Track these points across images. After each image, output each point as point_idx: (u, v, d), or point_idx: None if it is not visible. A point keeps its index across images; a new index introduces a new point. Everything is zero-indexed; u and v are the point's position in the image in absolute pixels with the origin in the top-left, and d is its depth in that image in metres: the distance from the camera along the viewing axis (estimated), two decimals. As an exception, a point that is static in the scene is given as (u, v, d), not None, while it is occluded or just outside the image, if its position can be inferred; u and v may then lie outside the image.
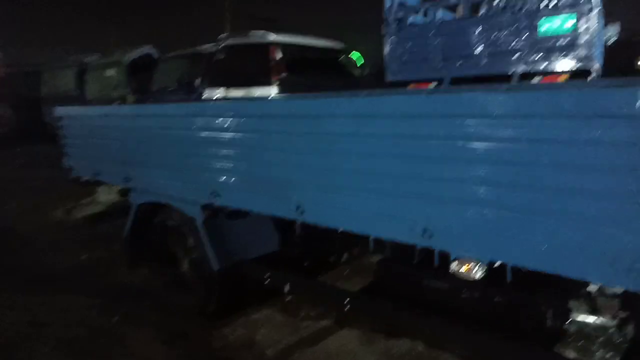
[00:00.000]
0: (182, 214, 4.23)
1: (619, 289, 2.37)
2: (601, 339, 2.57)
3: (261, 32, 9.08)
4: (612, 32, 7.53)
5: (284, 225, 3.88)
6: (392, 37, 6.81)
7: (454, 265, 2.58)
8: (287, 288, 3.66)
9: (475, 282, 2.58)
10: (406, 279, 3.24)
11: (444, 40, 6.55)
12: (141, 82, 11.38)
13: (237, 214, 3.73)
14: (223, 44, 9.16)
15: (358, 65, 11.07)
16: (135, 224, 4.87)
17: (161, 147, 4.20)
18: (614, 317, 2.48)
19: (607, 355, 2.55)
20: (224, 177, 3.58)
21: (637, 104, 1.83)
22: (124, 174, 4.66)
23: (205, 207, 3.88)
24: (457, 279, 2.64)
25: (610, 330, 2.51)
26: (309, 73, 8.76)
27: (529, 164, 2.16)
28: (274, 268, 3.85)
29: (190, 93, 9.18)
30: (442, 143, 2.41)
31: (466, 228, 2.37)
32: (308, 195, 3.05)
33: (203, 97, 8.88)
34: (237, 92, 8.57)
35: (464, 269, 2.55)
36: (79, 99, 13.26)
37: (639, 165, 1.85)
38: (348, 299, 3.31)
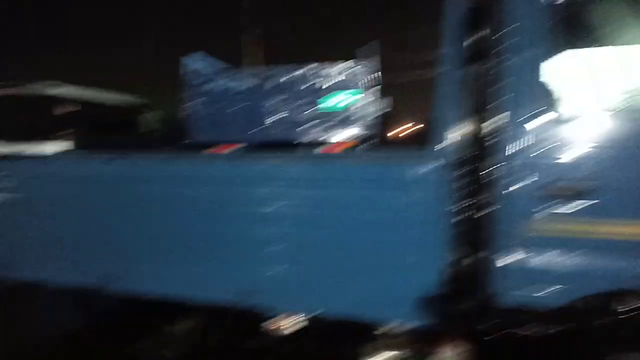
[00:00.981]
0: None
1: (415, 328, 2.78)
2: None
3: (46, 83, 8.33)
4: (386, 106, 8.94)
5: (87, 299, 3.54)
6: (193, 101, 6.96)
7: (275, 320, 2.72)
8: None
9: (292, 335, 2.75)
10: (226, 341, 3.24)
11: (239, 108, 6.95)
12: None
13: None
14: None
15: (158, 123, 10.88)
16: None
17: None
18: (414, 356, 2.87)
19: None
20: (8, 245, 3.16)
21: (407, 176, 2.30)
22: None
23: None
24: (275, 334, 2.77)
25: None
26: (102, 129, 8.29)
27: (334, 225, 2.48)
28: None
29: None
30: (260, 206, 2.61)
31: (288, 285, 2.57)
32: (117, 262, 2.89)
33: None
34: (18, 147, 7.63)
35: (284, 322, 2.71)
36: None
37: (422, 222, 2.31)
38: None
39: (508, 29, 2.31)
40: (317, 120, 6.67)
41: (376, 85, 6.81)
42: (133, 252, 2.90)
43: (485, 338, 2.49)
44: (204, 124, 6.83)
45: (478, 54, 2.68)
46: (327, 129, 6.75)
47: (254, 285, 2.61)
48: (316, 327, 2.71)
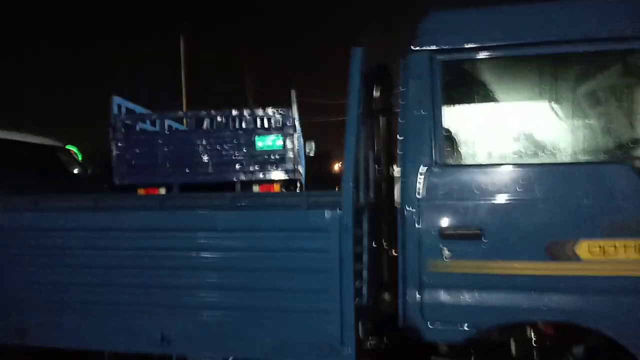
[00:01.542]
0: None
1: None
2: None
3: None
4: (310, 147, 9.22)
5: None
6: (120, 143, 6.88)
7: (191, 369, 2.76)
8: None
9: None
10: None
11: (172, 149, 6.94)
12: None
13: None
14: None
15: (79, 163, 10.52)
16: None
17: None
18: None
19: None
20: None
21: (323, 221, 2.47)
22: None
23: None
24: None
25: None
26: (15, 171, 7.92)
27: (249, 270, 2.59)
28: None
29: None
30: (172, 254, 2.67)
31: (199, 331, 2.63)
32: (31, 315, 2.83)
33: None
34: None
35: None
36: None
37: (329, 267, 2.46)
38: None
39: (405, 87, 2.59)
40: (243, 162, 6.83)
41: (297, 131, 7.09)
42: (49, 304, 2.84)
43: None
44: (129, 166, 6.76)
45: (379, 109, 2.95)
46: (252, 171, 6.90)
47: (166, 333, 2.64)
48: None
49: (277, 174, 7.04)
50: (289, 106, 7.18)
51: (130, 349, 2.80)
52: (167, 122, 7.47)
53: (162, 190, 6.64)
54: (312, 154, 9.27)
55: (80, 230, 2.87)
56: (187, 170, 6.83)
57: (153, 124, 7.31)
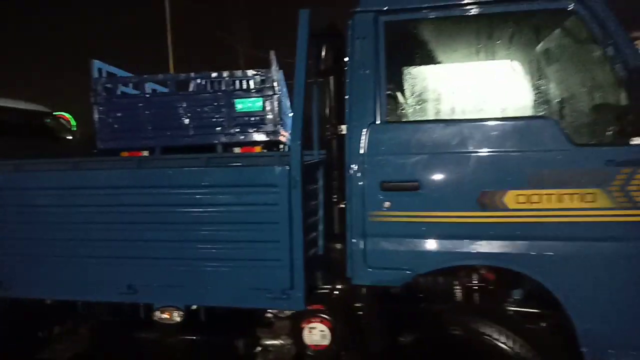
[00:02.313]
0: None
1: (287, 312, 3.12)
2: (284, 353, 3.25)
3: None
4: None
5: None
6: (102, 106, 6.97)
7: (157, 314, 2.99)
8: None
9: (177, 326, 3.03)
10: (118, 338, 3.43)
11: (154, 112, 7.03)
12: None
13: None
14: None
15: (71, 129, 10.62)
16: None
17: None
18: (288, 336, 3.21)
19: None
20: None
21: (273, 177, 2.64)
22: None
23: None
24: (161, 325, 3.03)
25: (288, 347, 3.23)
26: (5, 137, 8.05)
27: (207, 223, 2.78)
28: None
29: None
30: (137, 210, 2.87)
31: (164, 281, 2.86)
32: (8, 269, 3.05)
33: None
34: None
35: (166, 315, 2.98)
36: None
37: (280, 220, 2.65)
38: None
39: (351, 47, 2.72)
40: (223, 124, 6.93)
41: (279, 93, 7.16)
42: (25, 259, 3.05)
43: (347, 313, 2.89)
44: (112, 130, 6.88)
45: (327, 68, 3.08)
46: (232, 134, 7.02)
47: (133, 283, 2.86)
48: (200, 319, 3.00)
49: (258, 136, 7.16)
50: (268, 68, 7.23)
51: (101, 299, 3.03)
52: (152, 86, 7.55)
53: (145, 154, 6.79)
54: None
55: (54, 189, 3.05)
56: (168, 133, 6.94)
57: (136, 87, 7.38)
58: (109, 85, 7.07)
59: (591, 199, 2.40)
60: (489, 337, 2.65)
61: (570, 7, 2.49)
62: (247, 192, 2.72)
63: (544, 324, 2.81)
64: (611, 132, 2.54)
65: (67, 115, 10.87)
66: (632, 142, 2.42)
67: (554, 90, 2.70)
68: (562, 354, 2.65)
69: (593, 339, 2.50)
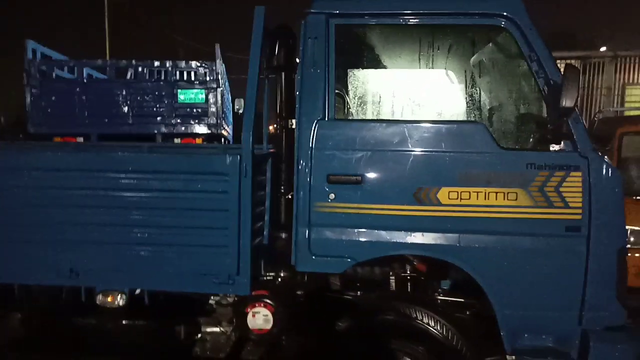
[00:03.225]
0: None
1: (231, 299, 3.21)
2: (222, 341, 3.32)
3: None
4: (240, 105, 9.34)
5: None
6: (35, 89, 6.68)
7: (100, 298, 2.98)
8: None
9: (119, 310, 3.03)
10: (56, 323, 3.35)
11: (91, 98, 6.84)
12: None
13: None
14: None
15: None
16: None
17: None
18: (229, 323, 3.29)
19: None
20: None
21: (225, 166, 2.73)
22: None
23: None
24: (103, 309, 3.03)
25: (228, 333, 3.31)
26: None
27: (153, 208, 2.82)
28: None
29: None
30: (81, 193, 2.85)
31: (106, 264, 2.86)
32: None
33: None
34: None
35: (109, 299, 2.98)
36: None
37: (230, 207, 2.74)
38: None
39: (303, 46, 2.86)
40: (164, 114, 6.87)
41: (222, 87, 7.18)
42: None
43: (289, 299, 3.03)
44: (45, 114, 6.60)
45: (281, 65, 3.20)
46: (173, 124, 6.96)
47: (75, 267, 2.84)
48: (143, 302, 3.02)
49: (200, 128, 7.14)
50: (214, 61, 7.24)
51: (41, 282, 2.98)
52: (89, 72, 7.32)
53: (80, 140, 6.59)
54: (242, 112, 9.36)
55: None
56: (106, 120, 6.77)
57: (71, 71, 7.13)
58: (43, 68, 6.80)
59: (514, 198, 2.68)
60: (420, 322, 2.89)
61: (501, 24, 2.77)
62: (197, 180, 2.79)
63: (468, 312, 3.10)
64: (533, 139, 2.86)
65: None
66: (552, 149, 2.74)
67: (485, 99, 2.99)
68: (485, 338, 2.94)
69: (511, 324, 2.77)
